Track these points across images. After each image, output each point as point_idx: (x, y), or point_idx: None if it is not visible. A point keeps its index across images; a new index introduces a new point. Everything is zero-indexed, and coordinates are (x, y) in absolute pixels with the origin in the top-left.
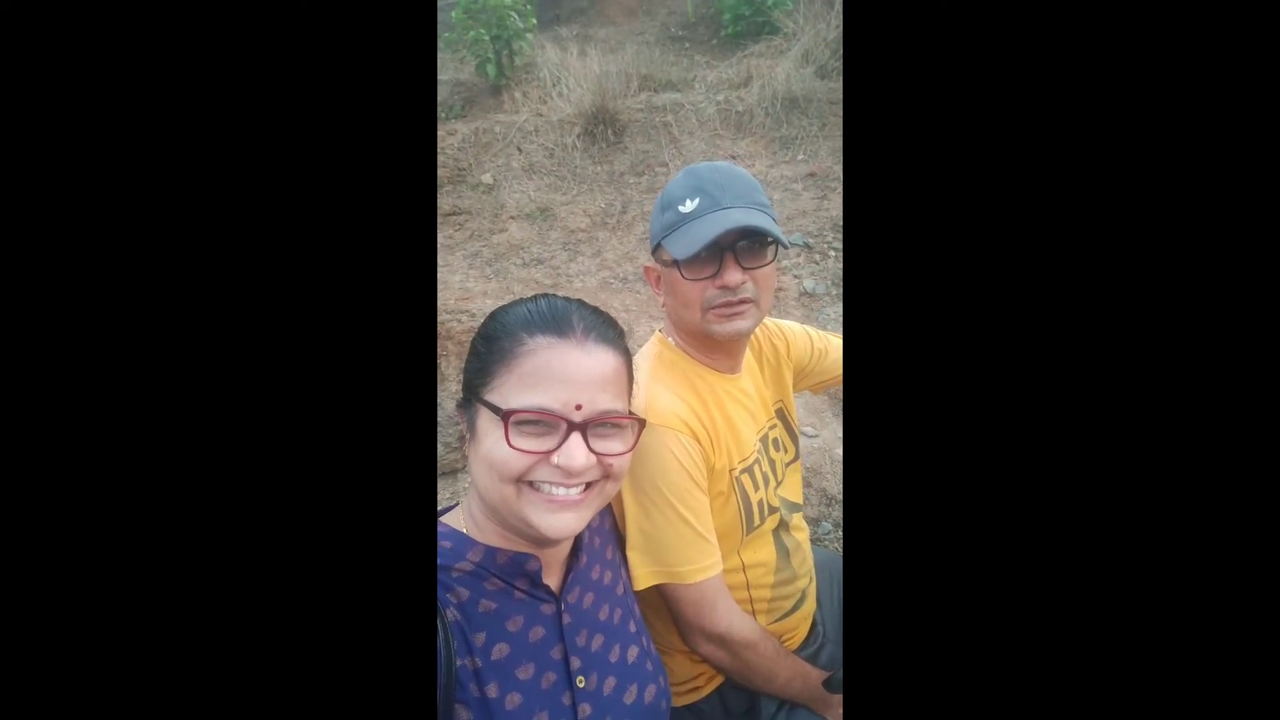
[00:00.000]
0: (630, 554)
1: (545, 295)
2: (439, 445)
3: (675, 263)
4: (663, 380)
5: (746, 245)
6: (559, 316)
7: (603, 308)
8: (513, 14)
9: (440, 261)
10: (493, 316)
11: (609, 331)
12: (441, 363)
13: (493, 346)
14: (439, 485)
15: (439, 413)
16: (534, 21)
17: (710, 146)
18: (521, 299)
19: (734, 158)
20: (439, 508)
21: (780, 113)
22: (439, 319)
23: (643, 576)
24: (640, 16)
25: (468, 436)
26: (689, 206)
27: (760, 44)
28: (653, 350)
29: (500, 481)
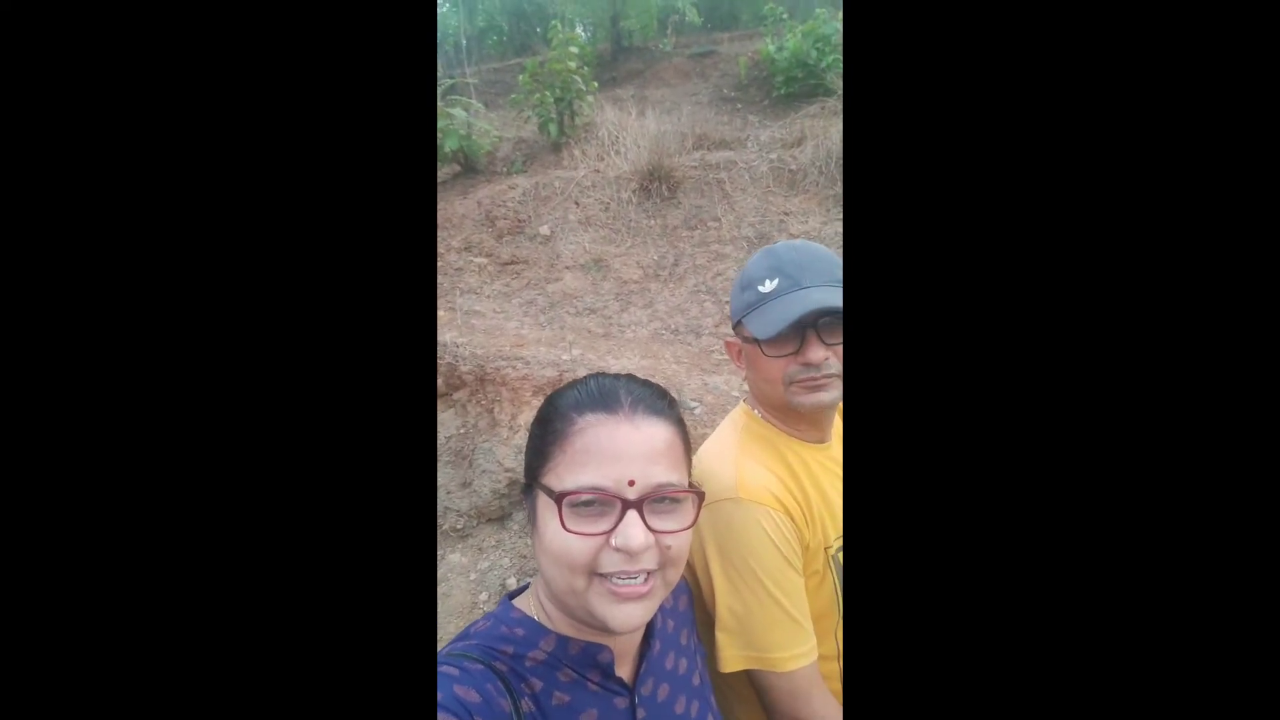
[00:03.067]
0: (719, 635)
1: (596, 375)
2: (487, 490)
3: (756, 340)
4: (752, 454)
5: (829, 322)
6: (606, 393)
7: (654, 359)
8: (576, 77)
9: (496, 309)
10: (548, 400)
11: (658, 403)
12: (495, 408)
13: (546, 430)
14: (486, 531)
15: (489, 459)
16: (596, 85)
17: (763, 202)
18: (574, 381)
19: (786, 214)
20: (514, 587)
21: (834, 171)
22: (494, 365)
23: (731, 659)
24: (693, 79)
25: (530, 525)
26: (769, 286)
27: (813, 105)
28: (739, 422)
29: (570, 574)
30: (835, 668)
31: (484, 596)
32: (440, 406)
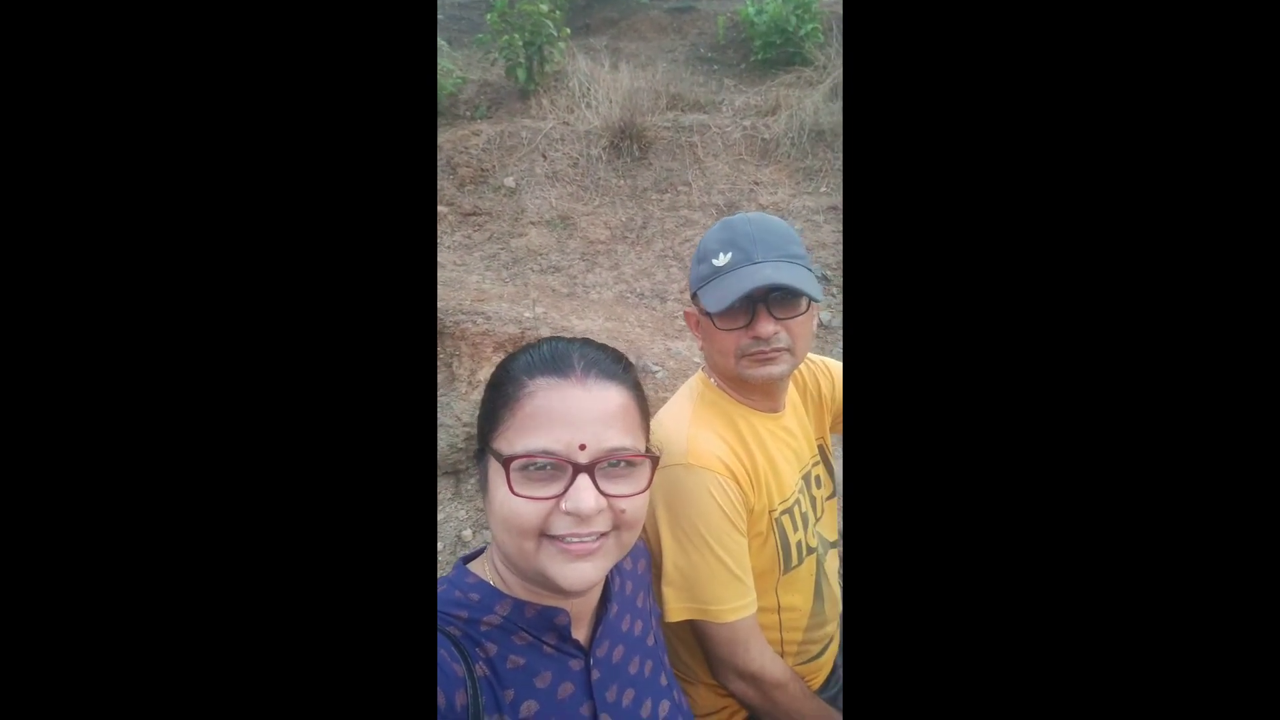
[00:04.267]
0: (666, 589)
1: (550, 339)
2: (443, 444)
3: (709, 313)
4: (704, 421)
5: (779, 297)
6: (559, 357)
7: (618, 322)
8: (548, 21)
9: (457, 260)
10: (500, 364)
11: (612, 367)
12: (454, 363)
13: (498, 394)
14: (441, 484)
15: (446, 413)
16: (568, 32)
17: (734, 170)
18: (527, 345)
19: (757, 184)
20: (469, 539)
21: (806, 144)
22: (454, 319)
23: (676, 611)
24: (670, 34)
25: (481, 490)
26: (722, 260)
27: (790, 74)
28: (695, 390)
29: (519, 537)
30: (774, 619)
31: (440, 547)
32: None
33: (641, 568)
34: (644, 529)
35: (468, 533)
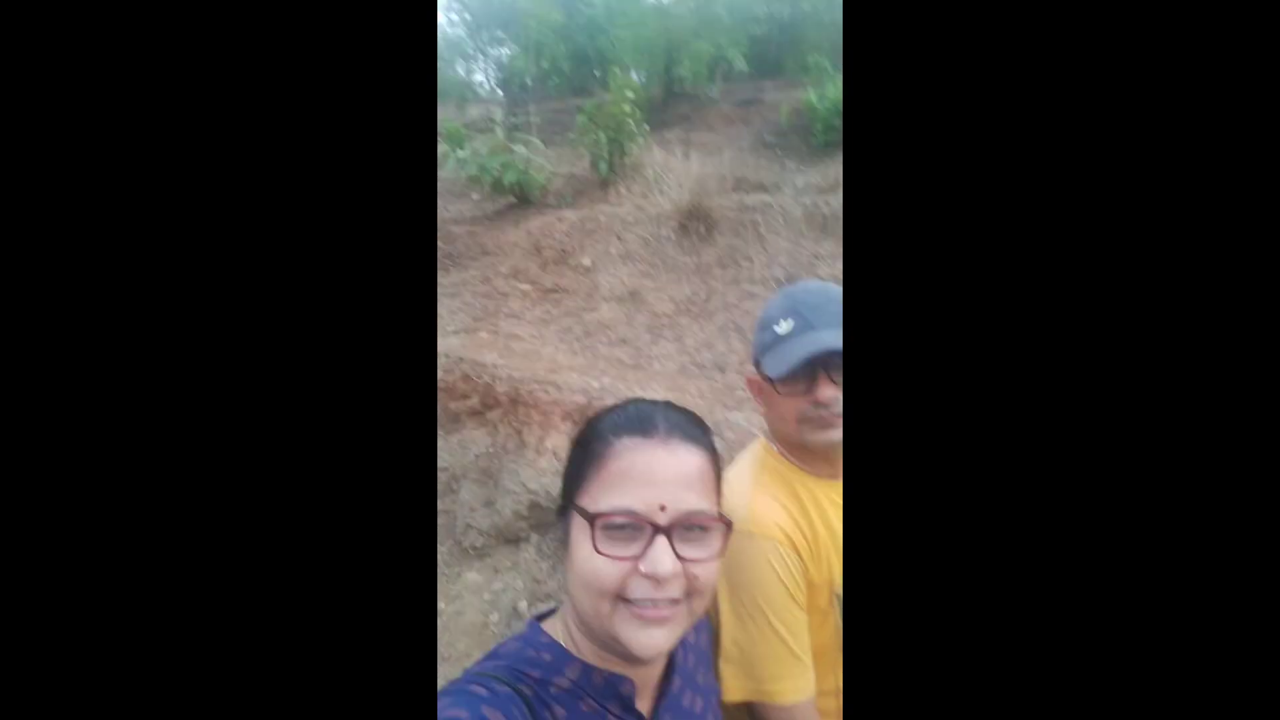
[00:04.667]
0: (724, 666)
1: (635, 400)
2: (508, 512)
3: (770, 379)
4: (765, 487)
5: (839, 362)
6: (644, 418)
7: (680, 391)
8: (629, 120)
9: (535, 333)
10: (587, 423)
11: (693, 429)
12: (523, 430)
13: (585, 452)
14: (502, 553)
15: (512, 480)
16: (647, 128)
17: (794, 245)
18: (613, 405)
19: (816, 257)
20: (524, 610)
21: None
22: (528, 388)
23: (733, 690)
24: (737, 124)
25: (564, 547)
26: (784, 328)
27: None
28: (756, 456)
29: (597, 597)
30: (834, 704)
31: (495, 617)
32: (474, 424)
33: (704, 641)
34: None
35: (524, 604)
